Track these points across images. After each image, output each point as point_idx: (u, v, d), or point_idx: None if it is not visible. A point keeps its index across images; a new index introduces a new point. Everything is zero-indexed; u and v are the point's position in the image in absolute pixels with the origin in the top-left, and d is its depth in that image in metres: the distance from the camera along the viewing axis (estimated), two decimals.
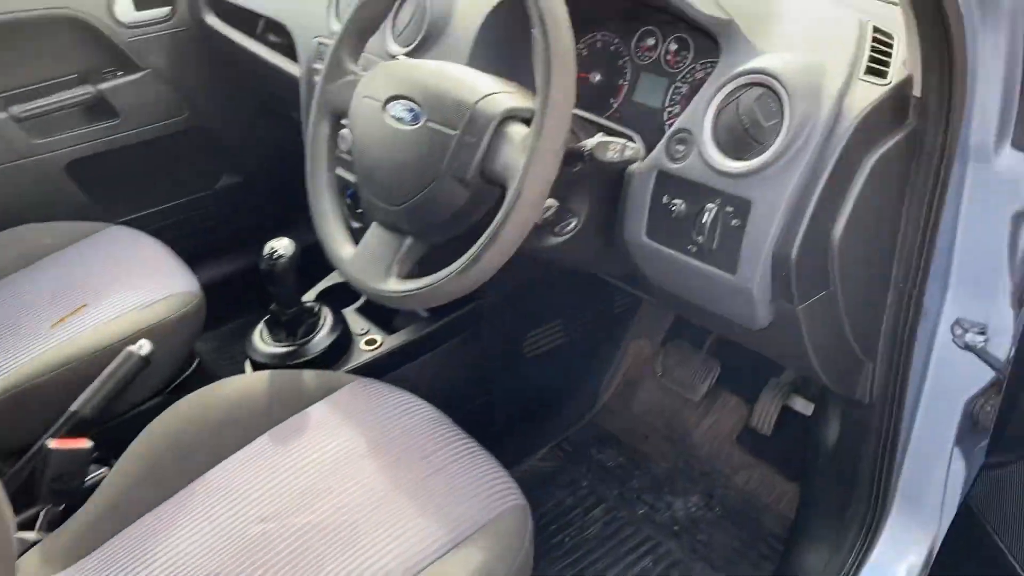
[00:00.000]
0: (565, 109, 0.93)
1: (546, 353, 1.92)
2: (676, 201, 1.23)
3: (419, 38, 1.63)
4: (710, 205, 1.19)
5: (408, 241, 1.11)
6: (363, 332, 1.55)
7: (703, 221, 1.18)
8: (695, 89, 1.13)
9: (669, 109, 1.52)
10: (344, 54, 1.20)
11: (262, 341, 1.78)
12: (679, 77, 1.51)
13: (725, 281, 1.19)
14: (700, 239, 1.18)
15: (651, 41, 1.54)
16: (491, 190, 1.01)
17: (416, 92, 1.08)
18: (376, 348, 1.49)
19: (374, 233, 1.15)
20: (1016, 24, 1.07)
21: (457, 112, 1.03)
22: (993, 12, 1.04)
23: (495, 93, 1.05)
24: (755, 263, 1.15)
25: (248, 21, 2.17)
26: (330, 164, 1.23)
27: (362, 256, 1.14)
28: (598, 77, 1.61)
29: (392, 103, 1.11)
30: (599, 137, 1.20)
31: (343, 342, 1.50)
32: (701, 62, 1.48)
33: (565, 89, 0.92)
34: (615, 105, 1.60)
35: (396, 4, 1.70)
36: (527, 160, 0.92)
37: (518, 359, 1.88)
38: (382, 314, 1.59)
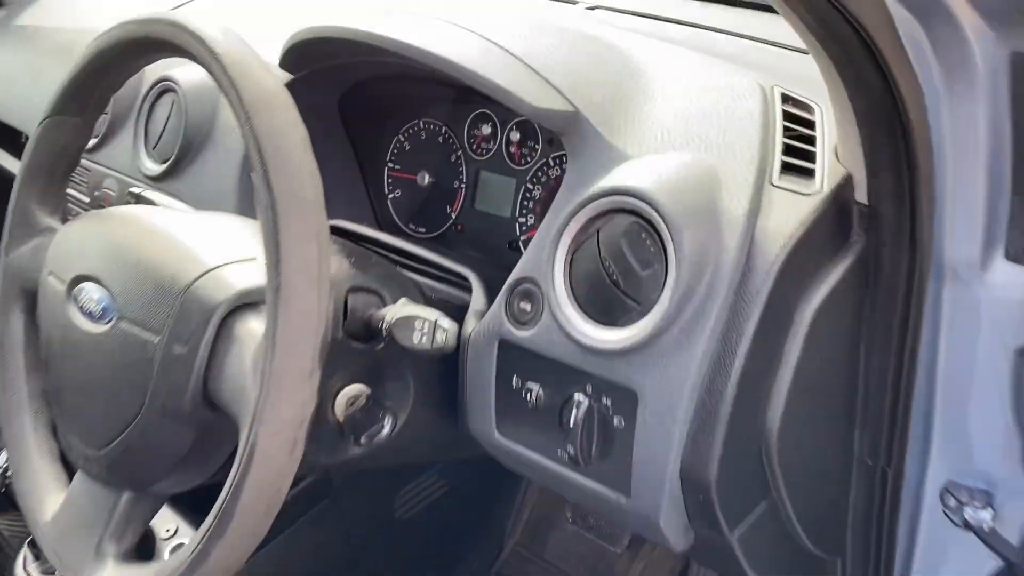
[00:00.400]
0: (310, 302, 0.59)
1: (426, 509, 1.48)
2: (531, 385, 0.81)
3: (175, 151, 1.19)
4: (579, 396, 0.77)
5: (125, 499, 0.76)
6: (169, 534, 1.13)
7: (571, 421, 0.76)
8: (553, 193, 0.76)
9: (522, 221, 1.11)
10: (31, 202, 0.77)
11: (24, 573, 1.31)
12: (528, 177, 1.10)
13: (617, 503, 0.77)
14: (571, 447, 0.75)
15: (487, 129, 1.13)
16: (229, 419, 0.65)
17: (107, 270, 0.74)
18: None
19: (80, 487, 0.78)
20: (997, 85, 0.68)
21: (160, 304, 0.60)
22: (964, 71, 0.65)
23: (222, 266, 0.61)
24: (657, 484, 0.74)
25: (11, 133, 1.73)
26: (29, 369, 0.77)
27: (64, 519, 0.77)
28: (428, 179, 1.19)
29: (80, 286, 0.75)
30: (401, 308, 0.77)
31: (140, 555, 1.04)
32: (556, 155, 1.08)
33: (307, 269, 0.59)
34: (453, 216, 1.18)
35: (141, 110, 1.26)
36: (261, 390, 0.58)
37: (391, 526, 1.43)
38: (196, 502, 1.12)
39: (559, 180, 0.92)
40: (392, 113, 1.12)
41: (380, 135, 1.13)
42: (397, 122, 1.12)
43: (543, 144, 1.09)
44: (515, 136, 1.12)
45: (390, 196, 1.16)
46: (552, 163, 1.02)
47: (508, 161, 1.07)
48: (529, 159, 1.04)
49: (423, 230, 1.22)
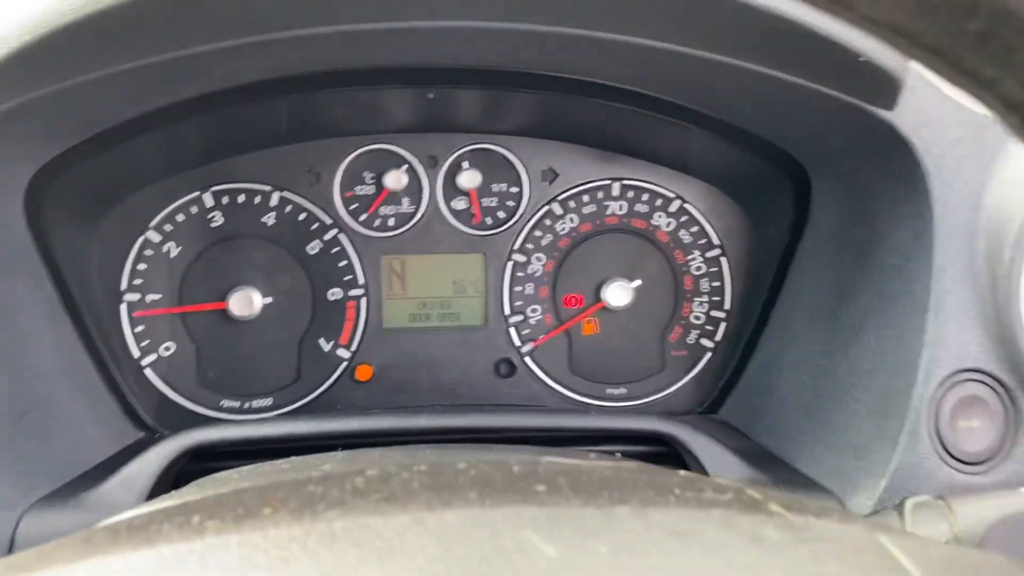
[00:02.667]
0: None
1: None
2: None
3: None
4: None
5: None
6: None
7: None
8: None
9: (517, 320, 0.64)
10: None
11: None
12: (515, 244, 0.64)
13: None
14: None
15: (373, 177, 0.60)
16: None
17: None
18: None
19: None
20: None
21: None
22: None
23: None
24: None
25: None
26: None
27: None
28: (256, 302, 0.61)
29: None
30: None
31: None
32: (574, 192, 0.63)
33: None
34: (348, 355, 0.62)
35: None
36: None
37: None
38: None
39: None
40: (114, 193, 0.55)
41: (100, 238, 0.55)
42: (138, 209, 0.56)
43: (531, 180, 0.63)
44: (468, 177, 0.62)
45: (146, 359, 0.58)
46: (566, 207, 0.61)
47: (457, 225, 0.60)
48: (504, 213, 0.60)
49: (268, 401, 0.62)
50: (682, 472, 0.29)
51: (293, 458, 0.39)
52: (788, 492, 0.48)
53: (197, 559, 0.21)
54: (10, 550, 0.45)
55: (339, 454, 0.39)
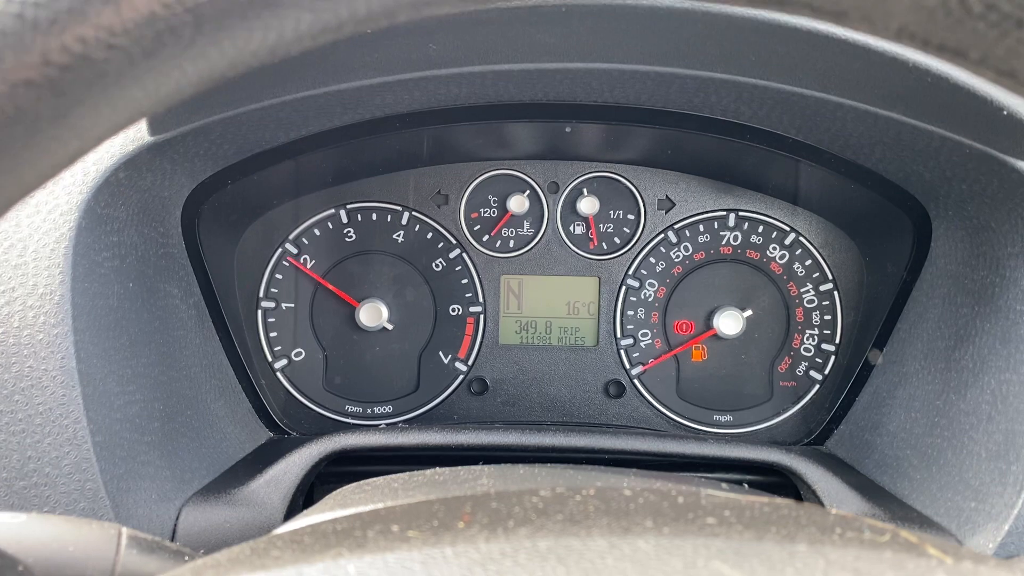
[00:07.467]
0: None
1: None
2: None
3: None
4: None
5: None
6: None
7: None
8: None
9: (627, 344, 0.66)
10: None
11: None
12: (630, 268, 0.66)
13: None
14: None
15: (495, 200, 0.63)
16: None
17: None
18: None
19: None
20: None
21: None
22: None
23: None
24: None
25: None
26: None
27: None
28: (383, 315, 0.64)
29: None
30: None
31: None
32: (684, 223, 0.65)
33: None
34: (465, 368, 0.65)
35: None
36: None
37: None
38: None
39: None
40: (257, 207, 0.58)
41: (242, 249, 0.59)
42: (278, 224, 0.58)
43: (648, 208, 0.65)
44: (588, 204, 0.65)
45: (278, 363, 0.60)
46: (681, 235, 0.62)
47: (574, 249, 0.62)
48: (620, 240, 0.62)
49: (388, 408, 0.65)
50: (833, 510, 0.31)
51: (440, 469, 0.42)
52: (908, 529, 0.49)
53: (420, 567, 0.24)
54: (172, 540, 0.49)
55: (484, 468, 0.42)
